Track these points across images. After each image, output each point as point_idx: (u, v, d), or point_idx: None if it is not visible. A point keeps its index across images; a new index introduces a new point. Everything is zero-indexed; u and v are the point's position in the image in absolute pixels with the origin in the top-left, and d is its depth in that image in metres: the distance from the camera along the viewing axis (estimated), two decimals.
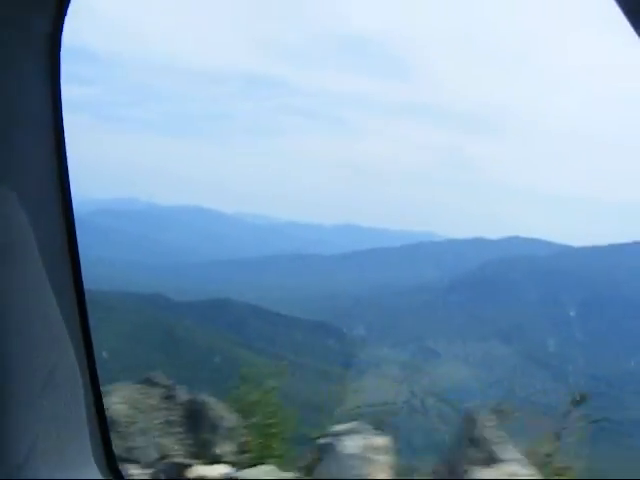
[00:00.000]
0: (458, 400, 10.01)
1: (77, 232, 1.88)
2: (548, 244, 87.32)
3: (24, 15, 1.70)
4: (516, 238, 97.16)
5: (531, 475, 7.14)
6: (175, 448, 8.01)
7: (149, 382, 8.59)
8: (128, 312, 41.93)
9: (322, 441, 7.78)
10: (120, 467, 2.08)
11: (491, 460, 7.33)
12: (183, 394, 8.58)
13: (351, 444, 7.48)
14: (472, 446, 7.52)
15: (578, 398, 8.09)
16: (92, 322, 1.95)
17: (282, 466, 7.93)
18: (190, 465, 7.64)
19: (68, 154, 1.85)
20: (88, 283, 1.92)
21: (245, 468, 7.78)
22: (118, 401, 7.91)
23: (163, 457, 7.84)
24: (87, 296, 1.91)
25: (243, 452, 8.24)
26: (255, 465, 7.84)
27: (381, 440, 7.63)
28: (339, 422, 8.16)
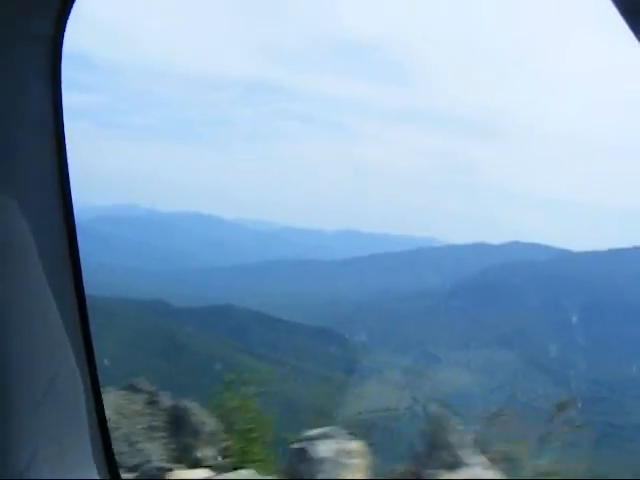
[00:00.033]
0: (460, 406, 9.99)
1: (78, 239, 1.89)
2: (548, 249, 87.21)
3: (26, 16, 1.69)
4: (516, 243, 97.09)
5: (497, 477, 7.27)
6: (158, 452, 8.07)
7: (133, 388, 8.68)
8: (129, 318, 41.83)
9: (296, 446, 7.82)
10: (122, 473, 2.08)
11: (456, 464, 7.45)
12: (167, 400, 8.68)
13: (324, 448, 7.52)
14: (439, 450, 7.62)
15: (562, 403, 8.16)
16: (93, 328, 1.95)
17: (262, 470, 7.99)
18: (171, 469, 7.71)
19: (69, 161, 1.85)
20: (89, 289, 1.92)
21: (225, 472, 7.84)
22: None
23: (146, 461, 7.89)
24: (88, 302, 1.91)
25: (224, 456, 8.31)
26: (236, 469, 7.90)
27: (355, 444, 7.67)
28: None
